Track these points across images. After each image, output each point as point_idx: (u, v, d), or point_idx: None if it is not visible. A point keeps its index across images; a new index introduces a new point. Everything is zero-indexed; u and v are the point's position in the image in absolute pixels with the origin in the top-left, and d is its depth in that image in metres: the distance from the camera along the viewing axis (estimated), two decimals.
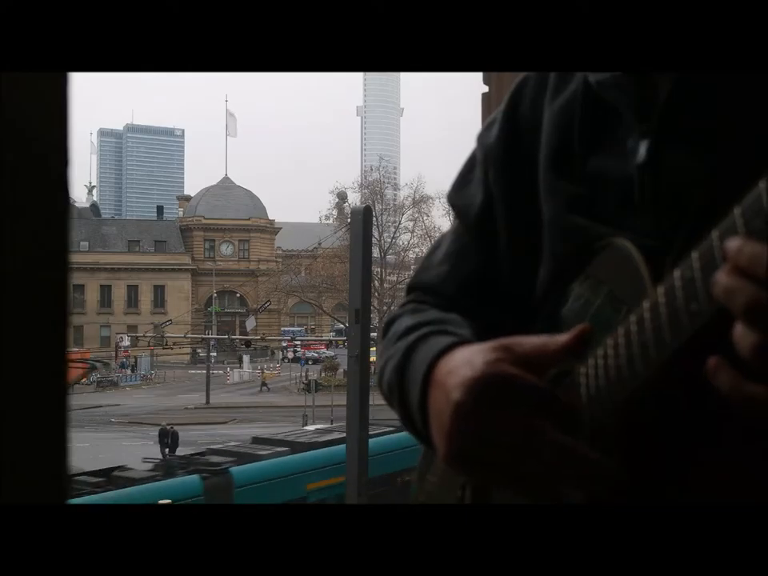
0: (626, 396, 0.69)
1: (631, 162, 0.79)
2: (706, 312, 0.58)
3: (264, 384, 38.97)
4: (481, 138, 1.00)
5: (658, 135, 0.77)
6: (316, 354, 46.74)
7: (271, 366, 48.42)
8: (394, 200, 44.04)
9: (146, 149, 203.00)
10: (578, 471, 0.66)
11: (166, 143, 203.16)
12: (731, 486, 0.71)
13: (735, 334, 0.53)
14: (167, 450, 21.26)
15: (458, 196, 1.01)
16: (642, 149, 0.78)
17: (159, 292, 54.29)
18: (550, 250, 0.86)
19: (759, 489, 0.70)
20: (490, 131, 0.98)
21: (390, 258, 41.30)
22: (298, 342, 45.85)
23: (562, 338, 0.69)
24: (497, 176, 0.95)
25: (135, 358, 44.95)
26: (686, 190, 0.74)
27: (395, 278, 40.05)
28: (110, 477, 9.75)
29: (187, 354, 48.71)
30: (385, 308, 34.32)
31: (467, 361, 0.73)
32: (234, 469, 9.98)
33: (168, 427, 22.43)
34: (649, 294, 0.66)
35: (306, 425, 22.93)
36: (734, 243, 0.53)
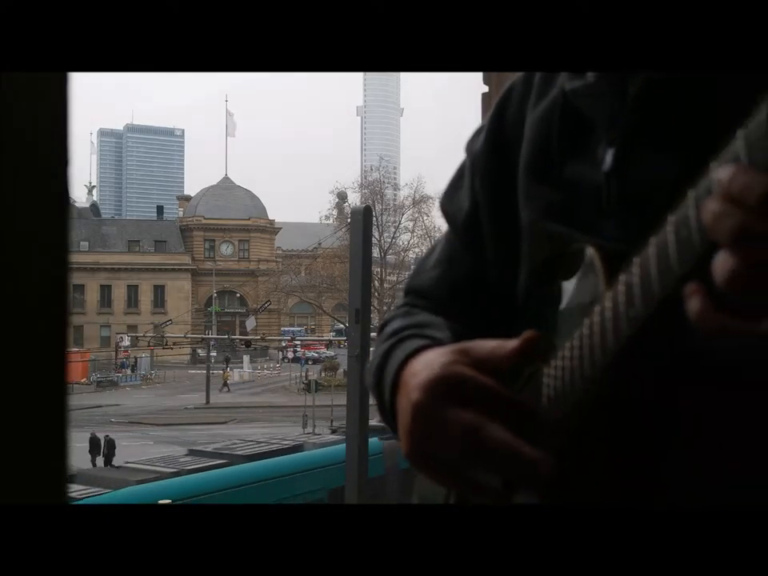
0: (581, 397, 0.73)
1: (601, 169, 0.81)
2: (642, 317, 0.62)
3: (225, 384, 38.63)
4: (469, 146, 1.02)
5: (624, 143, 0.79)
6: (316, 354, 46.74)
7: (268, 366, 48.46)
8: (394, 200, 44.05)
9: (146, 149, 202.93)
10: (519, 469, 0.69)
11: (165, 143, 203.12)
12: (693, 484, 0.73)
13: (715, 262, 0.54)
14: (103, 460, 19.59)
15: (448, 202, 1.05)
16: (609, 156, 0.80)
17: (159, 292, 54.26)
18: (527, 254, 0.89)
19: (724, 485, 0.72)
20: (478, 138, 1.00)
21: (390, 257, 41.32)
22: (298, 342, 45.85)
23: (512, 343, 0.73)
24: (482, 183, 0.97)
25: (135, 358, 44.93)
26: (651, 197, 0.75)
27: (395, 278, 40.05)
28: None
29: (187, 354, 48.71)
30: (385, 308, 34.32)
31: (427, 363, 0.77)
32: None
33: (100, 436, 20.73)
34: (602, 299, 0.70)
35: (306, 425, 22.89)
36: (727, 171, 0.54)
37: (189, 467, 10.97)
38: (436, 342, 0.84)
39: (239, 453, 11.90)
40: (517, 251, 0.91)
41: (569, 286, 0.80)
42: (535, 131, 0.90)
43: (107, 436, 20.98)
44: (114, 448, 20.41)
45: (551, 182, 0.86)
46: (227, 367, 43.57)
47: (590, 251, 0.76)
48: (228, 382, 39.36)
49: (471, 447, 0.70)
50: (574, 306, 0.77)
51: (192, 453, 12.55)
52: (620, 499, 0.75)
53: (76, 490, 9.81)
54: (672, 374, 0.71)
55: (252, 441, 13.67)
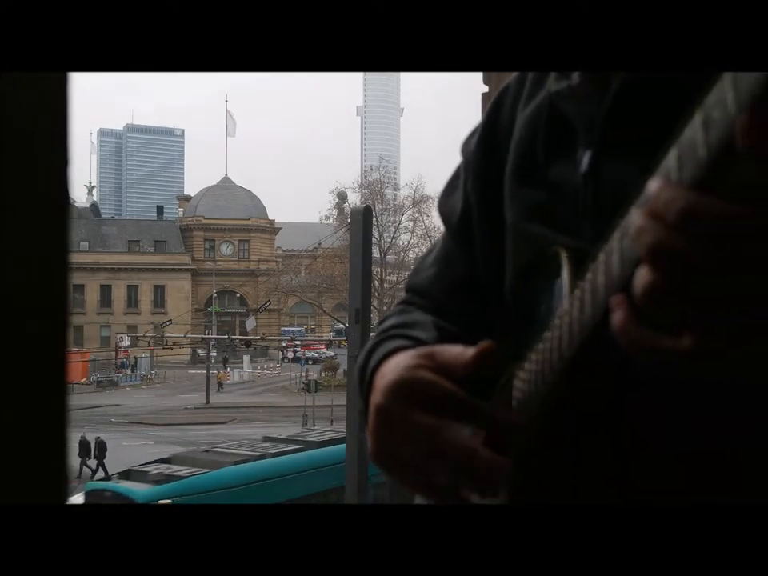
0: (544, 401, 0.74)
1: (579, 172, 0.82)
2: (590, 323, 0.63)
3: (220, 384, 38.61)
4: (463, 147, 1.03)
5: (599, 145, 0.79)
6: (316, 354, 46.75)
7: (268, 366, 48.49)
8: (394, 200, 44.04)
9: (146, 149, 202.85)
10: (473, 471, 0.70)
11: (165, 143, 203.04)
12: (665, 484, 0.74)
13: (635, 276, 0.55)
14: (94, 462, 19.28)
15: (444, 203, 1.06)
16: (585, 159, 0.80)
17: (159, 292, 54.27)
18: (511, 255, 0.90)
19: (684, 487, 0.73)
20: (471, 140, 1.01)
21: (390, 258, 41.32)
22: (298, 342, 45.86)
23: (470, 351, 0.74)
24: (473, 184, 0.98)
25: (135, 358, 44.92)
26: (624, 200, 0.76)
27: (395, 278, 40.04)
28: None
29: (187, 354, 48.73)
30: (385, 308, 34.31)
31: (394, 366, 0.79)
32: None
33: (90, 438, 19.77)
34: (563, 303, 0.71)
35: (306, 425, 22.93)
36: (653, 185, 0.54)
37: (272, 451, 12.16)
38: (418, 343, 0.86)
39: (312, 439, 13.03)
40: (504, 252, 0.92)
41: (556, 287, 0.81)
42: (522, 133, 0.91)
43: (98, 438, 20.35)
44: (105, 450, 19.78)
45: (535, 184, 0.87)
46: (225, 367, 43.54)
47: (561, 255, 0.77)
48: (224, 383, 39.33)
49: (429, 449, 0.72)
50: (555, 308, 0.78)
51: (268, 439, 13.81)
52: (583, 500, 0.75)
53: (178, 470, 10.88)
54: (627, 379, 0.71)
55: (318, 429, 15.34)
